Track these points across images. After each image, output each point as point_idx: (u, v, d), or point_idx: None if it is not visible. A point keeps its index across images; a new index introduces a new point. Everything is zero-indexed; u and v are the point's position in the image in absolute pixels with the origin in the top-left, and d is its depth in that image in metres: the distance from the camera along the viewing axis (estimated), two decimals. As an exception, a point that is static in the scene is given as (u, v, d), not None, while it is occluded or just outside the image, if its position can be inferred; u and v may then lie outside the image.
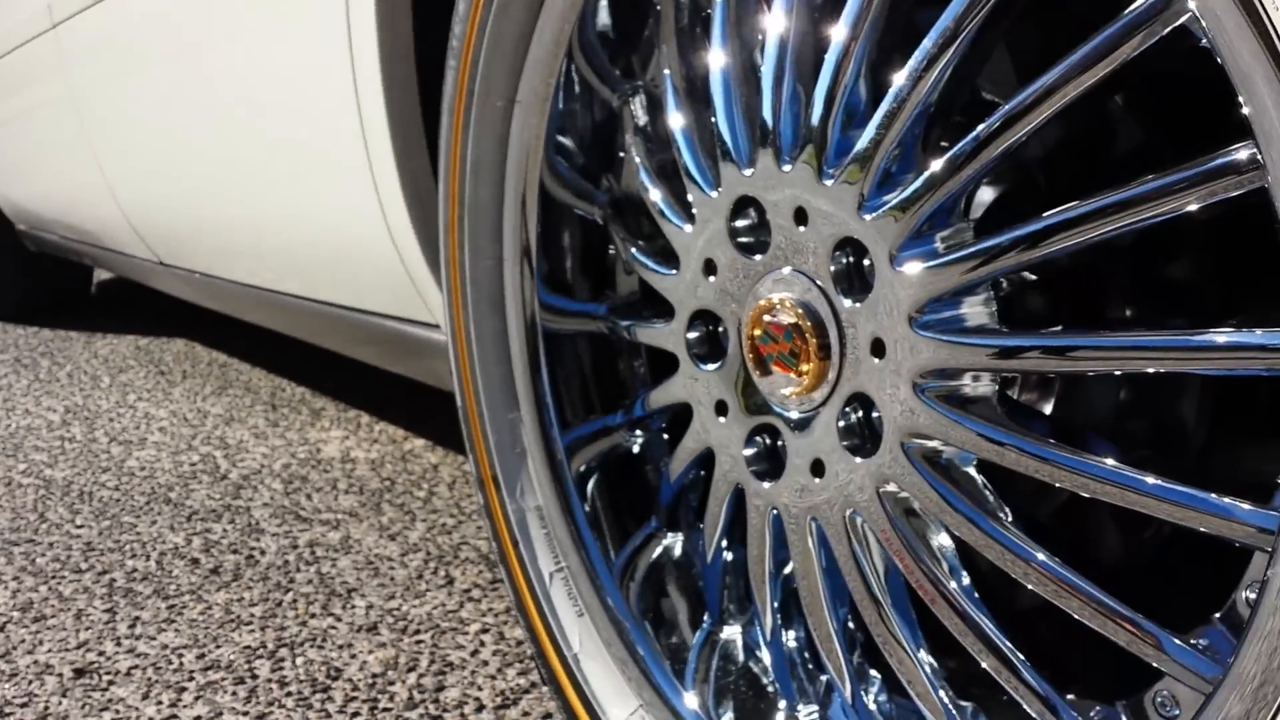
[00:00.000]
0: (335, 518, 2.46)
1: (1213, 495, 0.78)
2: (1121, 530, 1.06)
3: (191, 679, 1.81)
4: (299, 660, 1.86)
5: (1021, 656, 0.95)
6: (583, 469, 1.40)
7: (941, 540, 1.00)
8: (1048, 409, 1.05)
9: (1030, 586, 0.91)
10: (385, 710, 1.70)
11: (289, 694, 1.76)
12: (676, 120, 1.16)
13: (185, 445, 2.98)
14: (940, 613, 0.98)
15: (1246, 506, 0.76)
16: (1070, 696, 0.97)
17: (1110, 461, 0.86)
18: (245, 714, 1.70)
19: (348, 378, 3.47)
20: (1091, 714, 0.94)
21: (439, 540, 2.33)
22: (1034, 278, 0.98)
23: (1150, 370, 0.82)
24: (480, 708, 1.70)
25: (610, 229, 1.31)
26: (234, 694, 1.76)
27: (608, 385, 1.43)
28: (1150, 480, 0.82)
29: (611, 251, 1.39)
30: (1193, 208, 0.76)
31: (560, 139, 1.33)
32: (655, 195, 1.19)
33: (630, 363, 1.42)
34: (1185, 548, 1.04)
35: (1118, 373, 0.84)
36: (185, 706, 1.73)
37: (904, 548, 0.98)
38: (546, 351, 1.41)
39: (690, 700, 1.26)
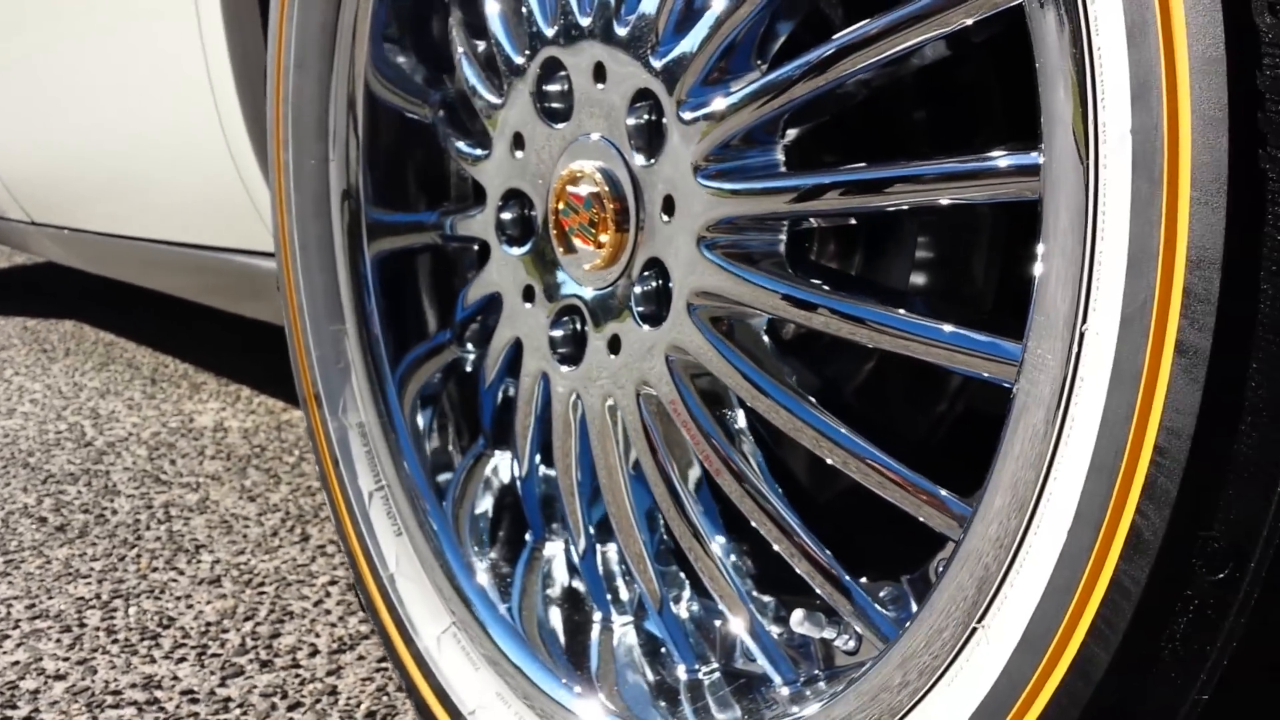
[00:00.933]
0: (196, 481, 2.39)
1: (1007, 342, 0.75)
2: (914, 399, 1.03)
3: (16, 627, 1.74)
4: (131, 611, 1.79)
5: (814, 538, 0.92)
6: (415, 386, 1.36)
7: (736, 416, 0.97)
8: (846, 266, 1.02)
9: (819, 453, 0.88)
10: (214, 656, 1.64)
11: (115, 641, 1.69)
12: (492, 6, 1.12)
13: (54, 415, 2.90)
14: (727, 489, 0.94)
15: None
16: (863, 580, 0.94)
17: (900, 311, 0.82)
18: (65, 659, 1.63)
19: (232, 354, 3.39)
20: (881, 594, 0.91)
21: (301, 501, 2.26)
22: (815, 123, 0.95)
23: (943, 201, 0.79)
24: (314, 653, 1.64)
25: (438, 128, 1.27)
26: (58, 641, 1.69)
27: (441, 301, 1.39)
28: (947, 328, 0.78)
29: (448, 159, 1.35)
30: (957, 27, 0.74)
31: (389, 31, 1.29)
32: (470, 73, 1.15)
33: (465, 275, 1.37)
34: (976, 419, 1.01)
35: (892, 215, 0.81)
36: (4, 654, 1.66)
37: (690, 419, 0.95)
38: (377, 262, 1.36)
39: (503, 616, 1.21)
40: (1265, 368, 0.55)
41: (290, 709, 1.50)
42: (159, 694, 1.54)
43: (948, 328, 0.76)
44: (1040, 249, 0.66)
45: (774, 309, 0.88)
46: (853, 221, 1.01)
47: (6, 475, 2.45)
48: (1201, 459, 0.57)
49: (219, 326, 2.71)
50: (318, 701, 1.51)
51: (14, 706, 1.51)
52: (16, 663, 1.63)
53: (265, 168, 1.60)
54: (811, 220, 0.94)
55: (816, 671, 0.98)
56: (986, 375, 0.75)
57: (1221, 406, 0.56)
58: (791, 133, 0.90)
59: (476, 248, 1.28)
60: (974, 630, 0.72)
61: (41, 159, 2.62)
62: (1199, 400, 0.57)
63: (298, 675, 1.58)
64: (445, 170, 1.38)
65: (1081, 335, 0.63)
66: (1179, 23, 0.55)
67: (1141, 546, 0.60)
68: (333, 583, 1.88)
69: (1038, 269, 0.67)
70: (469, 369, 1.35)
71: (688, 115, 0.90)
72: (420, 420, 1.35)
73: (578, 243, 1.02)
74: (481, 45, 1.20)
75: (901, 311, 0.81)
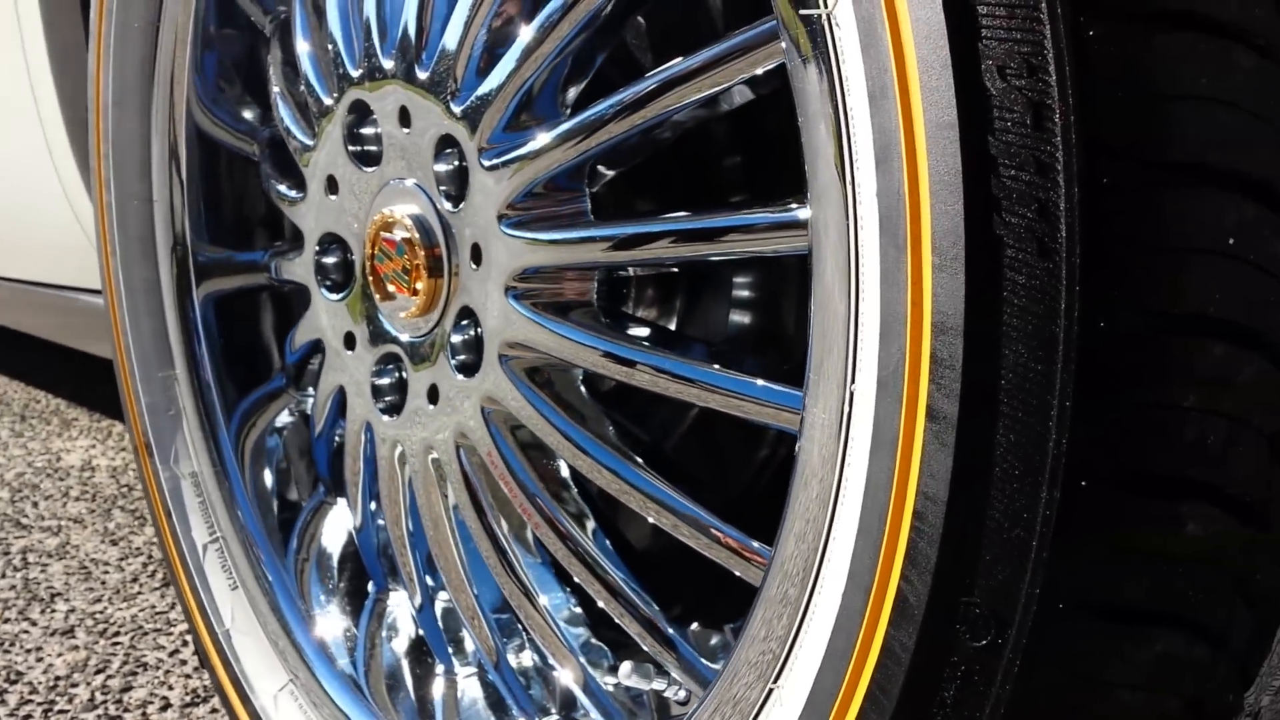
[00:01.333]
0: (58, 524, 2.33)
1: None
2: (734, 452, 1.02)
3: None
4: (-23, 667, 1.73)
5: (636, 588, 0.91)
6: (250, 433, 1.33)
7: (558, 465, 0.96)
8: (667, 321, 1.02)
9: (636, 509, 0.87)
10: (61, 712, 1.59)
11: (-43, 701, 1.64)
12: (303, 45, 1.10)
13: (-87, 457, 2.81)
14: (545, 540, 0.93)
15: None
16: (694, 627, 0.93)
17: (712, 366, 0.82)
18: (-98, 722, 1.58)
19: (108, 389, 3.31)
20: (712, 642, 0.90)
21: (164, 543, 2.21)
22: (620, 172, 0.94)
23: (727, 254, 0.79)
24: (166, 706, 1.60)
25: (260, 164, 1.24)
26: (-104, 702, 1.63)
27: (277, 345, 1.36)
28: (759, 383, 0.77)
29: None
30: (738, 81, 0.73)
31: (212, 67, 1.27)
32: (285, 114, 1.13)
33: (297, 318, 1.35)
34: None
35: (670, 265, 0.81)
36: None
37: (507, 472, 0.93)
38: (207, 305, 1.33)
39: (342, 671, 1.19)
40: (1011, 434, 0.55)
41: (136, 768, 1.46)
42: (1, 756, 1.49)
43: (760, 382, 0.76)
44: (812, 306, 0.66)
45: (582, 361, 0.87)
46: (674, 269, 1.00)
47: None
48: (957, 525, 0.57)
49: (95, 360, 2.64)
50: (165, 759, 1.47)
51: None
52: None
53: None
54: (628, 269, 0.93)
55: (650, 721, 0.97)
56: (776, 425, 0.75)
57: (972, 472, 0.56)
58: (601, 182, 0.89)
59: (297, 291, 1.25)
60: (770, 691, 0.71)
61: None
62: (950, 466, 0.56)
63: (147, 732, 1.55)
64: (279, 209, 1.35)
65: (851, 395, 0.63)
66: (914, 86, 0.55)
67: (908, 612, 0.60)
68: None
69: (811, 327, 0.66)
70: (309, 413, 1.33)
71: (489, 162, 0.89)
72: (258, 469, 1.32)
73: (393, 289, 1.00)
74: (297, 85, 1.18)
75: (716, 367, 0.81)
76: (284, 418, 1.34)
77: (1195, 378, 0.54)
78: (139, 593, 1.99)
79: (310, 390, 1.31)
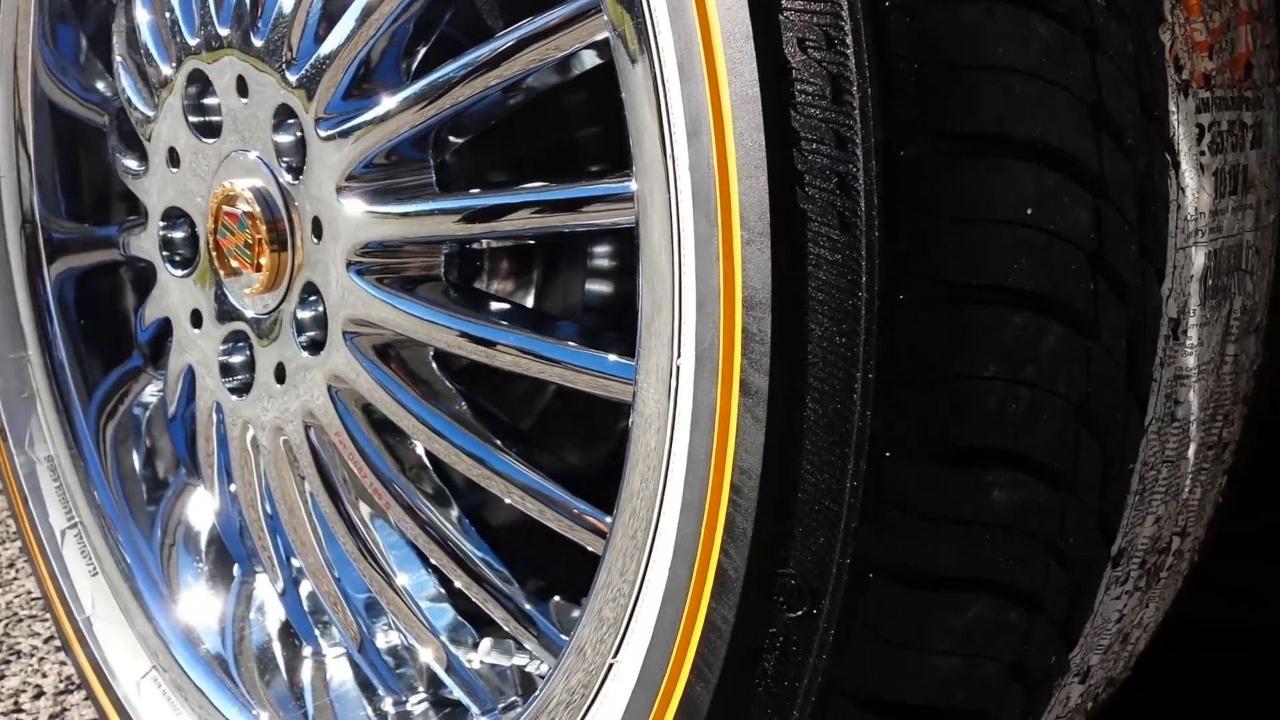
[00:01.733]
0: (-74, 510, 2.27)
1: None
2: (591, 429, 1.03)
3: None
4: None
5: (492, 563, 0.91)
6: (111, 415, 1.30)
7: (415, 445, 0.95)
8: (523, 298, 1.02)
9: (488, 487, 0.87)
10: (-74, 706, 1.56)
11: None
12: (143, 13, 1.08)
13: None
14: (402, 526, 0.93)
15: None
16: (557, 599, 0.93)
17: (569, 343, 0.81)
18: None
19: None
20: (574, 614, 0.91)
21: (38, 527, 2.17)
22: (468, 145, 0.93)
23: (565, 227, 0.79)
24: (39, 694, 1.57)
25: (109, 137, 1.22)
26: None
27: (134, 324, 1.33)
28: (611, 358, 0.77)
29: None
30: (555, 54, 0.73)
31: (64, 37, 1.23)
32: (126, 84, 1.10)
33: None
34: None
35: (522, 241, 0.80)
36: None
37: (356, 452, 0.93)
38: (60, 282, 1.30)
39: (205, 656, 1.18)
40: (819, 407, 0.56)
41: (5, 758, 1.44)
42: None
43: (577, 351, 0.76)
44: (640, 281, 0.66)
45: (428, 338, 0.86)
46: (530, 244, 1.00)
47: None
48: (770, 498, 0.58)
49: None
50: (35, 749, 1.45)
51: None
52: None
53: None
54: (479, 244, 0.93)
55: (514, 698, 0.98)
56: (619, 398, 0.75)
57: (783, 446, 0.57)
58: (446, 153, 0.88)
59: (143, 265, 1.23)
60: (610, 665, 0.72)
61: None
62: (763, 440, 0.57)
63: (18, 719, 1.52)
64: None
65: (678, 370, 0.63)
66: (719, 58, 0.55)
67: (728, 585, 0.60)
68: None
69: (640, 302, 0.66)
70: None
71: (326, 132, 0.88)
72: (119, 451, 1.29)
73: (237, 265, 0.99)
74: (139, 56, 1.15)
75: (570, 344, 0.81)
76: (145, 398, 1.31)
77: (996, 347, 0.55)
78: (15, 579, 1.95)
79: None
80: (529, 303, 1.02)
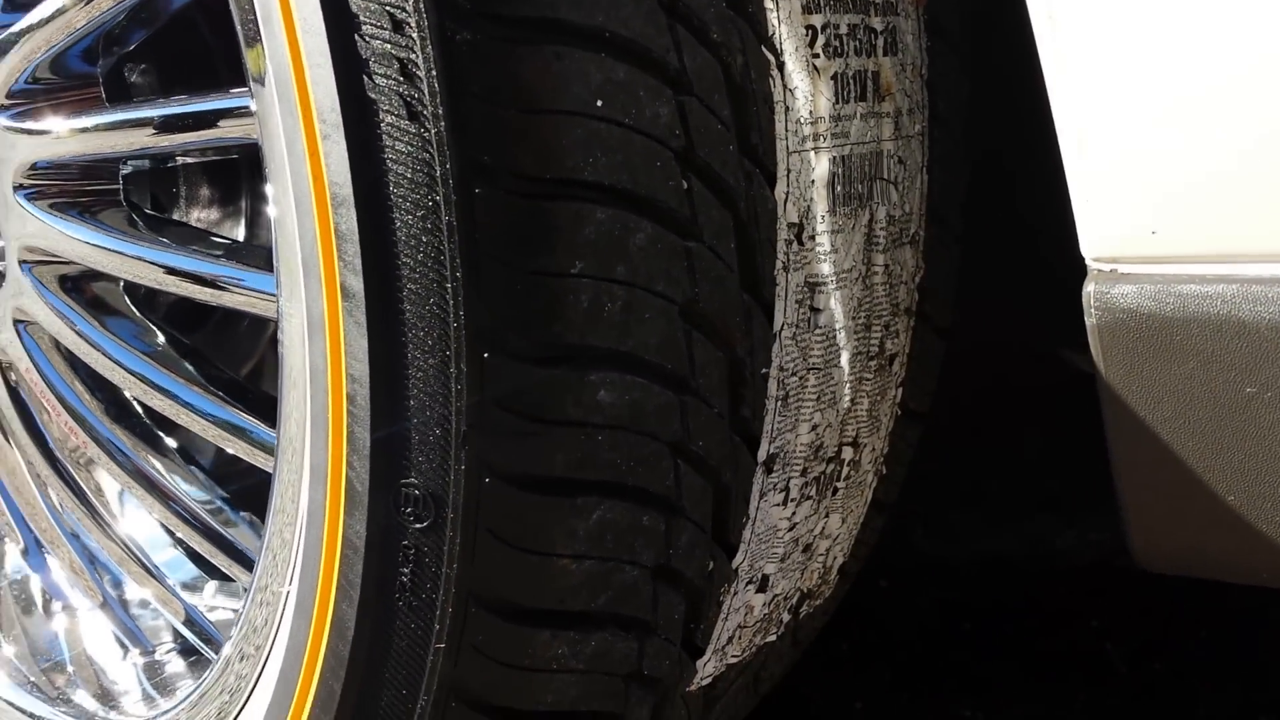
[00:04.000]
0: None
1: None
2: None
3: None
4: None
5: (204, 501, 0.90)
6: None
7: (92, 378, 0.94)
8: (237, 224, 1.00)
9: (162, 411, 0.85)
10: None
11: None
12: None
13: None
14: (105, 467, 0.91)
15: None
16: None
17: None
18: None
19: None
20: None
21: None
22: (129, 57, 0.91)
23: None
24: None
25: None
26: None
27: None
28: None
29: None
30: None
31: None
32: None
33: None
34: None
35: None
36: None
37: (47, 389, 0.91)
38: None
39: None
40: (417, 309, 0.56)
41: None
42: None
43: (235, 269, 0.75)
44: (268, 192, 0.65)
45: (101, 264, 0.84)
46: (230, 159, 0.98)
47: None
48: (381, 405, 0.58)
49: None
50: None
51: None
52: None
53: None
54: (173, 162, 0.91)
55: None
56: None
57: (386, 351, 0.57)
58: (111, 64, 0.86)
59: None
60: (286, 594, 0.71)
61: None
62: (366, 345, 0.57)
63: None
64: None
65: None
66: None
67: (356, 499, 0.60)
68: None
69: (271, 215, 0.65)
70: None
71: (-30, 38, 0.85)
72: None
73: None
74: None
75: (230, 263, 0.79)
76: None
77: (582, 244, 0.55)
78: None
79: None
80: (239, 233, 1.00)
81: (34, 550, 1.12)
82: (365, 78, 0.53)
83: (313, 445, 0.63)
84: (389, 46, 0.53)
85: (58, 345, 0.92)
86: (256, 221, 1.02)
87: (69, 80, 0.86)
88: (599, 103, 0.54)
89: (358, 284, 0.56)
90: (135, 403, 0.95)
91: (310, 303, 0.60)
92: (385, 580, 0.61)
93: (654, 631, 0.65)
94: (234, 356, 1.05)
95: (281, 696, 0.69)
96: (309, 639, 0.66)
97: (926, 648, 1.27)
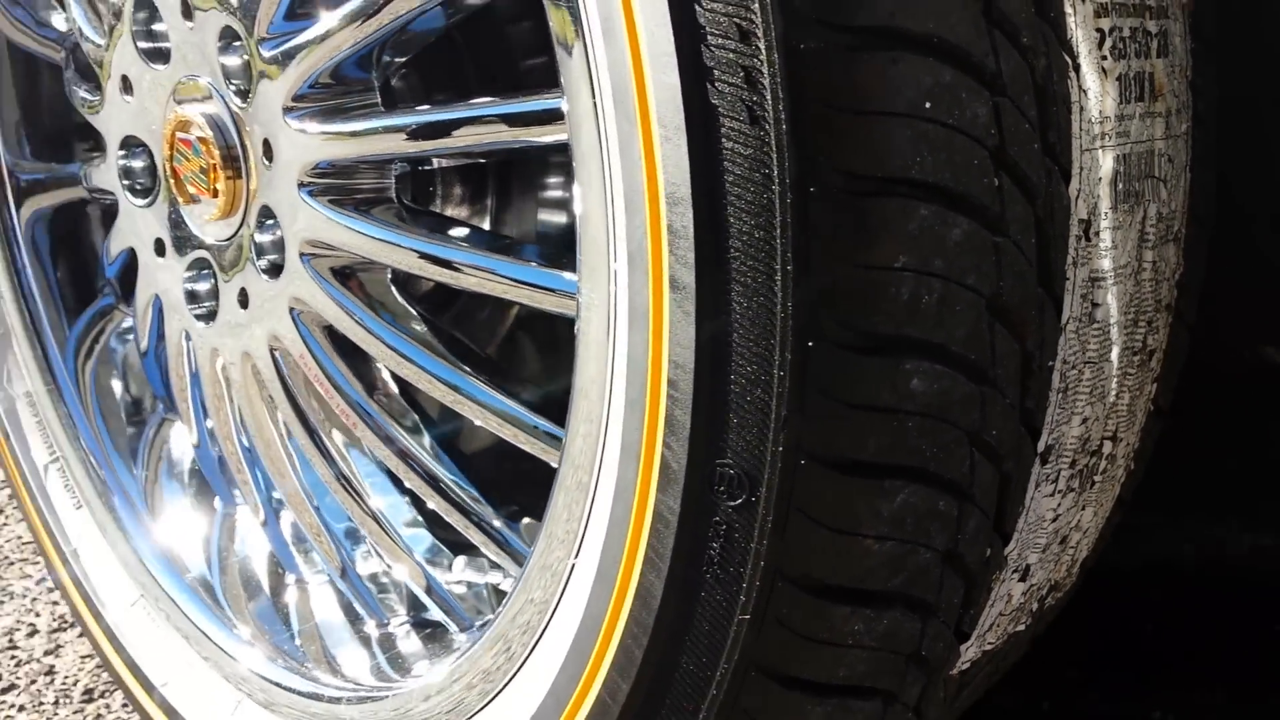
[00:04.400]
0: (-86, 457, 2.33)
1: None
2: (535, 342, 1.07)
3: None
4: None
5: (462, 483, 0.95)
6: (88, 351, 1.35)
7: (380, 369, 0.99)
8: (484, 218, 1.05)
9: (437, 397, 0.91)
10: (-78, 649, 1.62)
11: None
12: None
13: None
14: (366, 441, 0.97)
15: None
16: (526, 521, 0.97)
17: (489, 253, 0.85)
18: None
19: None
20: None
21: (28, 470, 2.22)
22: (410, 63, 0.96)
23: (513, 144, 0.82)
24: (33, 632, 1.64)
25: (65, 71, 1.24)
26: None
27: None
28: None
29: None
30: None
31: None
32: (76, 12, 1.13)
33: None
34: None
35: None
36: None
37: (322, 374, 0.97)
38: (27, 219, 1.34)
39: (192, 585, 1.23)
40: (743, 300, 0.59)
41: (3, 692, 1.50)
42: None
43: (522, 266, 0.79)
44: (576, 191, 0.69)
45: (385, 259, 0.90)
46: (481, 161, 1.03)
47: None
48: (705, 390, 0.62)
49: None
50: (33, 683, 1.51)
51: None
52: None
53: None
54: (431, 164, 0.96)
55: (491, 616, 1.02)
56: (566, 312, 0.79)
57: (713, 340, 0.61)
58: (391, 73, 0.91)
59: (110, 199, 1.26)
60: (573, 566, 0.76)
61: None
62: (694, 334, 0.61)
63: (14, 657, 1.58)
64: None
65: (615, 274, 0.67)
66: (627, -40, 0.58)
67: (671, 477, 0.64)
68: (40, 552, 1.87)
69: (577, 210, 0.70)
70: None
71: (269, 53, 0.91)
72: (98, 386, 1.34)
73: (195, 191, 1.02)
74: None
75: (501, 257, 0.84)
76: (119, 333, 1.35)
77: (905, 239, 0.58)
78: (4, 524, 2.01)
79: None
80: (485, 226, 1.06)
81: (272, 521, 1.18)
82: (709, 85, 0.57)
83: (626, 426, 0.67)
84: (734, 55, 0.57)
85: (328, 331, 0.98)
86: (500, 218, 1.07)
87: (349, 85, 0.92)
88: (927, 104, 0.57)
89: (689, 277, 0.60)
90: (392, 384, 1.00)
91: (633, 294, 0.64)
92: (694, 553, 0.65)
93: (935, 614, 0.69)
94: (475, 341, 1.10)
95: (574, 661, 0.74)
96: (609, 607, 0.71)
97: (1111, 647, 1.28)
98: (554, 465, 0.83)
